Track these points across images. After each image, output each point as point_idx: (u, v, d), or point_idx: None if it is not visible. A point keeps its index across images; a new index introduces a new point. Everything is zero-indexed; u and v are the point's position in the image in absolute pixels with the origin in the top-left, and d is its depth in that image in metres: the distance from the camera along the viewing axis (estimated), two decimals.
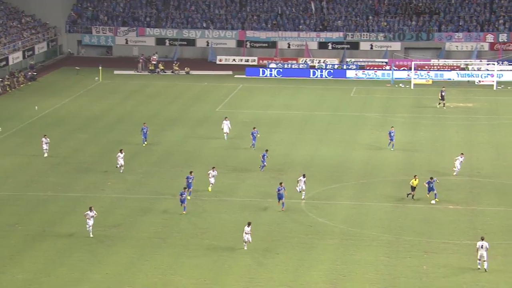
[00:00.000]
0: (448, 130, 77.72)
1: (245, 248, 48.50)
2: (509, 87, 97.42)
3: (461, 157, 62.80)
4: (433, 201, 56.10)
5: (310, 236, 50.71)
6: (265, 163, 63.93)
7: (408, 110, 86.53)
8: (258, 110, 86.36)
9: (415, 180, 57.22)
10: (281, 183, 54.74)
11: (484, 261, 45.19)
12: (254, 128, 71.05)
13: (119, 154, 63.64)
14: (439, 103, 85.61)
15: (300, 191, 56.75)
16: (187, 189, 56.04)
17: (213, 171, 59.26)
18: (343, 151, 70.66)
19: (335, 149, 71.26)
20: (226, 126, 73.34)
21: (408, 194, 57.39)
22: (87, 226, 50.57)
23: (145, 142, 71.37)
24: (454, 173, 62.39)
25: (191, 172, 58.10)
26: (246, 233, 48.41)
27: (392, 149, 69.54)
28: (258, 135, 70.34)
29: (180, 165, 66.68)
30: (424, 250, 49.16)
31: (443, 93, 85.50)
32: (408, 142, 72.88)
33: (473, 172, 64.30)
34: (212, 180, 59.06)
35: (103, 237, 51.27)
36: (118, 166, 63.55)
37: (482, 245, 45.23)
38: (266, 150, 64.91)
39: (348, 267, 46.59)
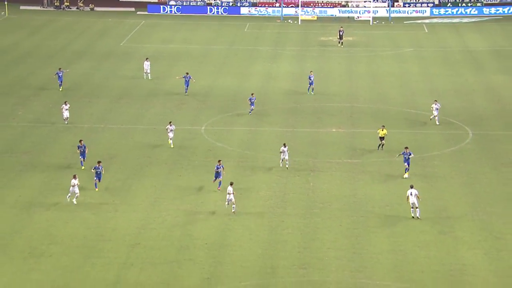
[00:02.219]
0: (332, 62, 78.87)
1: (227, 206, 42.96)
2: (383, 22, 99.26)
3: (436, 104, 57.96)
4: (405, 175, 48.58)
5: (210, 159, 51.14)
6: (253, 106, 59.75)
7: (296, 44, 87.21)
8: (159, 45, 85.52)
9: (382, 130, 52.81)
10: (219, 161, 47.11)
11: (416, 208, 42.55)
12: (187, 73, 66.16)
13: (63, 105, 57.08)
14: (339, 42, 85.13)
15: (282, 160, 49.77)
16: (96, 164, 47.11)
17: (171, 125, 53.03)
18: (239, 81, 70.97)
19: (231, 80, 71.50)
20: (147, 65, 70.07)
21: (379, 146, 52.86)
22: (75, 194, 43.92)
23: (61, 87, 66.20)
24: (432, 118, 58.16)
25: (80, 141, 49.58)
26: (229, 193, 42.89)
27: (312, 93, 66.50)
28: (194, 81, 65.79)
29: (88, 96, 65.77)
30: (310, 169, 50.31)
31: (341, 33, 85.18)
32: (297, 73, 73.77)
33: (353, 99, 65.74)
34: (171, 134, 53.01)
35: (15, 163, 50.51)
36: (64, 118, 57.00)
37: (411, 193, 42.41)
38: (252, 94, 60.58)
39: (244, 186, 47.31)
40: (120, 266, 37.47)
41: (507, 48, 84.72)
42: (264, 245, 39.57)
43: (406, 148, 49.03)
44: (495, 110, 62.76)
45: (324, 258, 38.28)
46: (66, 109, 57.10)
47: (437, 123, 58.33)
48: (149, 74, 70.43)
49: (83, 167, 48.99)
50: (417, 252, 39.00)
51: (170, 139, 53.10)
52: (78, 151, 49.51)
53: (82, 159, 49.41)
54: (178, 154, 52.52)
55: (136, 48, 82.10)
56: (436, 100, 59.10)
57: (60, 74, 66.03)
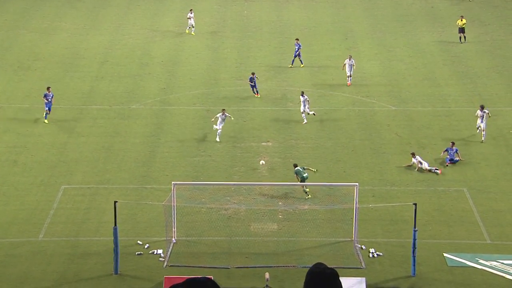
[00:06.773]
0: None
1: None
2: None
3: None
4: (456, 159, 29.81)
5: None
6: None
7: None
8: None
9: (461, 20, 41.40)
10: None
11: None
12: None
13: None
14: None
15: (304, 111, 33.03)
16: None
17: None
18: None
19: None
20: None
21: (460, 38, 41.44)
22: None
23: None
24: None
25: (48, 89, 32.65)
26: None
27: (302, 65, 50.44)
28: None
29: None
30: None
31: None
32: None
33: None
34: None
35: None
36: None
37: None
38: None
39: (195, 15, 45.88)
40: (93, 79, 36.85)
41: None
42: (209, 62, 39.16)
43: (453, 143, 29.89)
44: None
45: (256, 71, 38.05)
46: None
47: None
48: None
49: (46, 120, 32.38)
50: (328, 64, 39.15)
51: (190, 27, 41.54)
52: (44, 100, 32.35)
53: (47, 110, 32.31)
54: None
55: None
56: None
57: None
